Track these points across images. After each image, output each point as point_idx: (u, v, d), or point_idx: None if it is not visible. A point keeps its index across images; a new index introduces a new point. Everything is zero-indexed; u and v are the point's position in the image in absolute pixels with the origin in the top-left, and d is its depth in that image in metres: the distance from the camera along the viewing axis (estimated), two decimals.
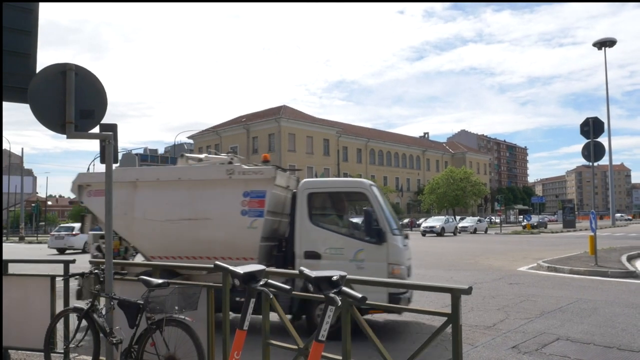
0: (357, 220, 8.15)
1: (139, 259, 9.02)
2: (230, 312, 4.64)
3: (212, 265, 4.29)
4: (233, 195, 7.46)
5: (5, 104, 4.48)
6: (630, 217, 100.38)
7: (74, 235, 27.99)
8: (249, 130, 67.62)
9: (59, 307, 5.61)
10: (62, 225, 32.46)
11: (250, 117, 70.82)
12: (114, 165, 5.14)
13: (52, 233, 29.75)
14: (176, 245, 7.78)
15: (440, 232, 42.10)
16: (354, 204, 8.75)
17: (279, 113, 65.00)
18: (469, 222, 50.77)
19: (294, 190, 7.80)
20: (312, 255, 7.22)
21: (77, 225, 29.30)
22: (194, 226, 7.61)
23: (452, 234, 43.54)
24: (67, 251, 27.61)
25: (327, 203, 7.99)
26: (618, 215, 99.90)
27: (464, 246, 27.15)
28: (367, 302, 3.16)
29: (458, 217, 55.92)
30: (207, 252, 7.53)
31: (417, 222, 56.53)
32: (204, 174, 7.85)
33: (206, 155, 9.40)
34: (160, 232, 7.81)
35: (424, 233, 42.58)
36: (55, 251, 27.94)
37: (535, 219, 55.15)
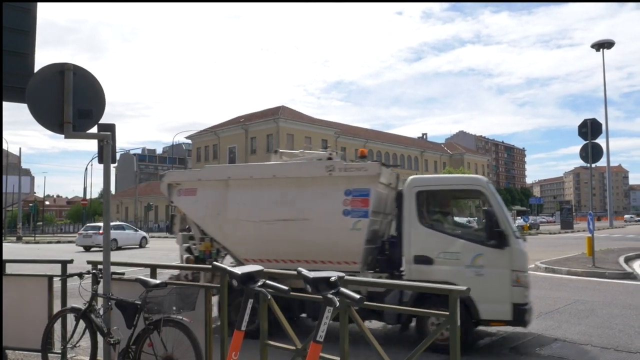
0: (461, 220, 7.60)
1: (227, 262, 8.46)
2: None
3: (210, 266, 4.29)
4: (334, 194, 6.96)
5: (3, 104, 4.46)
6: None
7: (101, 234, 29.93)
8: (247, 131, 67.58)
9: (57, 307, 5.60)
10: (89, 224, 34.57)
11: (248, 117, 70.76)
12: (112, 165, 5.13)
13: (80, 232, 31.74)
14: (272, 248, 7.34)
15: None
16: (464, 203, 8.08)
17: (278, 113, 64.97)
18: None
19: (399, 189, 7.27)
20: (424, 260, 6.61)
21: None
22: (292, 227, 7.13)
23: None
24: (93, 249, 29.30)
25: (438, 202, 7.37)
26: (627, 216, 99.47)
27: None
28: (364, 302, 3.16)
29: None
30: (306, 255, 7.11)
31: None
32: (301, 171, 7.37)
33: (302, 150, 8.95)
34: (254, 233, 7.36)
35: None
36: (82, 249, 29.66)
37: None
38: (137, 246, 31.69)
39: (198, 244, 8.17)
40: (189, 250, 8.23)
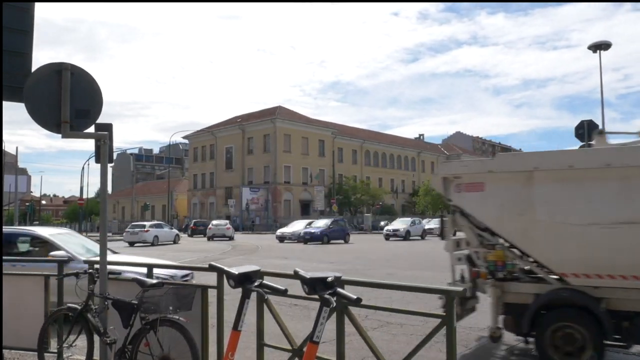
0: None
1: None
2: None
3: (207, 266, 4.29)
4: None
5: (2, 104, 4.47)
6: None
7: (146, 231, 34.21)
8: (244, 131, 67.58)
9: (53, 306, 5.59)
10: (134, 223, 39.61)
11: (245, 117, 70.81)
12: (109, 165, 5.13)
13: (127, 229, 36.17)
14: (607, 259, 5.74)
15: (405, 236, 37.53)
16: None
17: (275, 114, 65.02)
18: (435, 223, 42.07)
19: None
20: None
21: (148, 223, 37.20)
22: (638, 233, 5.54)
23: (419, 238, 38.64)
24: (137, 244, 33.45)
25: None
26: None
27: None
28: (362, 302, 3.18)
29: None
30: None
31: (381, 225, 53.12)
32: None
33: None
34: (579, 240, 5.83)
35: (387, 237, 37.89)
36: (127, 244, 33.55)
37: None
38: (172, 242, 34.93)
39: (485, 251, 6.69)
40: (469, 260, 6.81)
